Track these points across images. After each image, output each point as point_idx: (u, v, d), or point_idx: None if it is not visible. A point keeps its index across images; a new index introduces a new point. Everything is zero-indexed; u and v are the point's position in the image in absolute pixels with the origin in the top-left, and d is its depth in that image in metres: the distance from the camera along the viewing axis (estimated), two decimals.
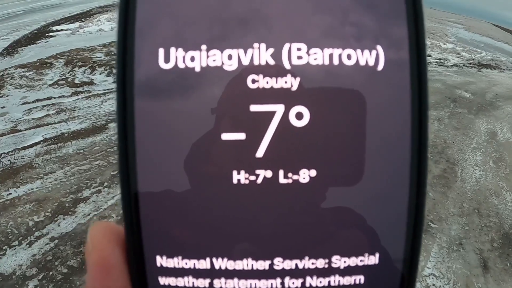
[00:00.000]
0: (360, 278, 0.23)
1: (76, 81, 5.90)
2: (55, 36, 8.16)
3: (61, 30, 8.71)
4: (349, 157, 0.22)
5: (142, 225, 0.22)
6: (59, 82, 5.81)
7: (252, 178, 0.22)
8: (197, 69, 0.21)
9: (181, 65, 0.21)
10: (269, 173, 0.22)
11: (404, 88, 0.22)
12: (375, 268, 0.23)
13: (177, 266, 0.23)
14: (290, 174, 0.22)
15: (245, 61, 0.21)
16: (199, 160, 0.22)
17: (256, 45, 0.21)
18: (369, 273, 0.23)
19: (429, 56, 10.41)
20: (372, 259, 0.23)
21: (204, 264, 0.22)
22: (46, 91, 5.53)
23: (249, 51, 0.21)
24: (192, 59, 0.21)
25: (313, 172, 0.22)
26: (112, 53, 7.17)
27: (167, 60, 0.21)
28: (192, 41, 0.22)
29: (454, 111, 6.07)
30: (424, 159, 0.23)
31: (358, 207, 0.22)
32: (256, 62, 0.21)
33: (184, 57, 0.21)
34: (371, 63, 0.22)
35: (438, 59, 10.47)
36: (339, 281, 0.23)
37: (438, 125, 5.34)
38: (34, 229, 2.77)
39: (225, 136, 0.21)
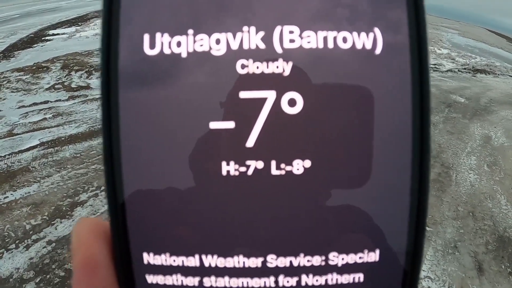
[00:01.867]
0: (359, 276, 0.21)
1: (73, 85, 5.88)
2: (51, 40, 8.15)
3: (58, 34, 8.70)
4: (344, 146, 0.21)
5: (128, 221, 0.21)
6: (56, 86, 5.80)
7: (243, 169, 0.20)
8: (184, 54, 0.20)
9: (167, 50, 0.20)
10: (260, 164, 0.20)
11: (404, 73, 0.20)
12: (375, 266, 0.21)
13: (164, 263, 0.21)
14: (283, 165, 0.20)
15: (234, 46, 0.20)
16: (186, 151, 0.20)
17: (245, 28, 0.20)
18: (369, 270, 0.21)
19: None
20: (372, 256, 0.21)
21: (193, 261, 0.21)
22: (43, 95, 5.52)
23: (238, 34, 0.20)
24: (179, 44, 0.20)
25: (307, 163, 0.20)
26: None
27: (152, 46, 0.20)
28: (178, 26, 0.20)
29: (449, 116, 6.09)
30: (426, 148, 0.21)
31: (355, 200, 0.21)
32: (245, 46, 0.20)
33: (170, 43, 0.20)
34: (368, 46, 0.20)
35: (433, 64, 10.49)
36: (337, 279, 0.21)
37: (433, 129, 5.36)
38: (31, 232, 2.77)
39: (213, 125, 0.20)
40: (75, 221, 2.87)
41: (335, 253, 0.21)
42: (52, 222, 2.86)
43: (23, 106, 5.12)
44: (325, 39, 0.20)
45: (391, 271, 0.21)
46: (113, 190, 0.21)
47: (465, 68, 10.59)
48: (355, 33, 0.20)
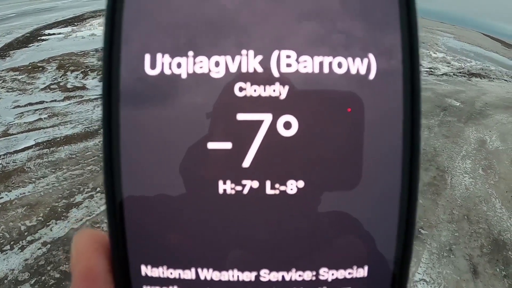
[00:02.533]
0: None
1: (69, 86, 5.87)
2: (47, 40, 8.12)
3: (54, 34, 8.67)
4: (336, 169, 0.21)
5: (127, 233, 0.22)
6: (51, 86, 5.78)
7: (239, 188, 0.21)
8: (184, 75, 0.21)
9: (167, 71, 0.21)
10: (255, 184, 0.21)
11: (397, 98, 0.21)
12: (364, 281, 0.22)
13: (162, 275, 0.22)
14: (277, 185, 0.21)
15: (233, 68, 0.21)
16: (185, 170, 0.21)
17: (244, 52, 0.21)
18: (357, 285, 0.22)
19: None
20: (361, 272, 0.22)
21: (189, 274, 0.22)
22: (38, 95, 5.50)
23: (237, 58, 0.21)
24: (179, 65, 0.21)
25: (300, 183, 0.21)
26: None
27: (153, 66, 0.21)
28: (179, 47, 0.21)
29: (444, 120, 6.12)
30: (416, 169, 0.21)
31: (345, 220, 0.22)
32: (244, 70, 0.21)
33: (170, 63, 0.21)
34: (363, 71, 0.21)
35: (428, 68, 10.55)
36: None
37: (428, 133, 5.39)
38: (26, 233, 2.75)
39: (211, 145, 0.21)
40: (70, 223, 2.86)
41: (325, 269, 0.22)
42: (47, 223, 2.84)
43: (18, 106, 5.10)
44: (320, 64, 0.21)
45: (380, 285, 0.22)
46: (112, 204, 0.22)
47: (460, 72, 10.64)
48: (350, 59, 0.21)
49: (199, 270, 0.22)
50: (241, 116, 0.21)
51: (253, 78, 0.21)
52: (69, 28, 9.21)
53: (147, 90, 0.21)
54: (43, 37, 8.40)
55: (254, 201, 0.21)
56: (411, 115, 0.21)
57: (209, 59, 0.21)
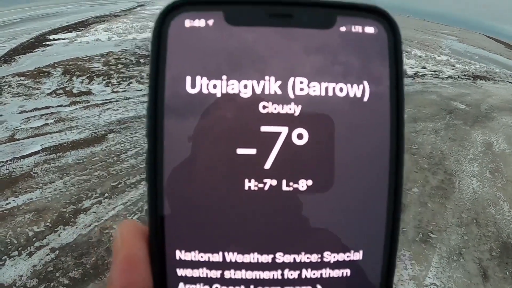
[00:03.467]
0: (347, 271, 0.27)
1: (74, 91, 5.90)
2: (52, 45, 8.16)
3: (58, 39, 8.71)
4: (339, 172, 0.26)
5: (165, 223, 0.26)
6: (57, 91, 5.81)
7: (261, 185, 0.26)
8: (218, 95, 0.26)
9: (205, 91, 0.26)
10: (274, 182, 0.26)
11: (385, 115, 0.27)
12: (359, 263, 0.27)
13: (193, 259, 0.26)
14: (291, 183, 0.26)
15: (258, 90, 0.26)
16: (219, 170, 0.26)
17: (267, 77, 0.26)
18: (354, 267, 0.27)
19: (424, 68, 10.51)
20: (357, 255, 0.27)
21: (217, 257, 0.26)
22: (44, 100, 5.52)
23: (261, 82, 0.26)
24: (214, 86, 0.26)
25: (309, 182, 0.26)
26: (113, 64, 7.16)
27: (193, 86, 0.25)
28: (215, 72, 0.26)
29: (450, 123, 6.11)
30: (400, 169, 0.27)
31: (343, 212, 0.27)
32: (266, 92, 0.26)
33: (207, 84, 0.26)
34: (359, 95, 0.26)
35: (433, 71, 10.53)
36: (329, 273, 0.27)
37: (435, 136, 5.38)
38: (34, 239, 2.74)
39: (240, 151, 0.26)
40: (78, 228, 2.85)
41: (329, 252, 0.27)
42: (56, 229, 2.84)
43: (25, 111, 5.11)
44: (326, 88, 0.26)
45: (373, 266, 0.27)
46: (154, 198, 0.26)
47: (465, 75, 10.62)
48: (349, 85, 0.26)
49: (226, 253, 0.26)
50: (264, 128, 0.26)
51: (274, 98, 0.26)
52: (73, 33, 9.27)
53: (188, 105, 0.26)
54: (48, 42, 8.45)
55: (273, 196, 0.26)
56: (397, 128, 0.27)
57: (239, 82, 0.26)
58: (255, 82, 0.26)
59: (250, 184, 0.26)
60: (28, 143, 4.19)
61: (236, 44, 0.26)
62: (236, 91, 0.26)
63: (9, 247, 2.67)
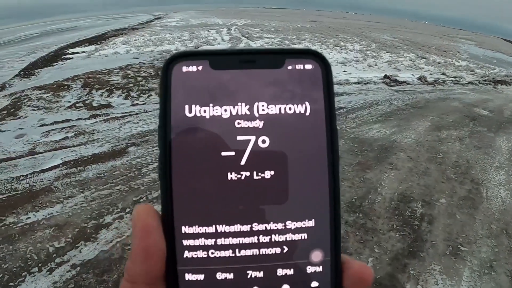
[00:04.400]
0: (304, 235, 0.36)
1: (94, 104, 5.98)
2: (71, 58, 8.27)
3: (77, 52, 8.83)
4: (292, 163, 0.36)
5: (174, 206, 0.34)
6: (77, 105, 5.87)
7: (239, 176, 0.35)
8: (207, 117, 0.35)
9: (198, 114, 0.35)
10: (248, 173, 0.35)
11: (322, 123, 0.36)
12: (313, 229, 0.36)
13: (195, 232, 0.35)
14: (260, 174, 0.35)
15: (234, 112, 0.35)
16: (210, 167, 0.35)
17: (240, 103, 0.35)
18: (310, 231, 0.36)
19: (444, 74, 10.35)
20: (310, 223, 0.36)
21: (211, 229, 0.35)
22: (64, 113, 5.57)
23: (236, 107, 0.35)
24: (204, 111, 0.35)
25: (272, 172, 0.35)
26: (132, 77, 7.19)
27: (190, 111, 0.35)
28: (204, 101, 0.35)
29: (474, 130, 5.98)
30: (336, 164, 0.36)
31: (298, 190, 0.36)
32: (239, 113, 0.35)
33: (200, 110, 0.35)
34: (302, 111, 0.36)
35: (453, 77, 10.38)
36: (292, 237, 0.36)
37: (460, 145, 5.25)
38: (54, 255, 2.70)
39: (224, 153, 0.35)
40: (99, 244, 2.79)
41: (290, 221, 0.36)
42: (77, 245, 2.79)
43: (45, 125, 5.16)
44: (279, 108, 0.36)
45: (323, 231, 0.36)
46: (165, 188, 0.35)
47: (485, 80, 10.44)
48: (295, 105, 0.36)
49: (217, 226, 0.35)
50: (239, 137, 0.35)
51: (244, 117, 0.35)
52: (92, 47, 9.39)
53: (187, 124, 0.35)
54: (67, 56, 8.57)
55: (247, 183, 0.35)
56: (331, 130, 0.37)
57: (221, 107, 0.35)
58: (231, 107, 0.35)
59: (232, 176, 0.35)
60: (49, 157, 4.21)
61: (218, 82, 0.36)
62: (219, 114, 0.35)
63: (29, 263, 2.63)
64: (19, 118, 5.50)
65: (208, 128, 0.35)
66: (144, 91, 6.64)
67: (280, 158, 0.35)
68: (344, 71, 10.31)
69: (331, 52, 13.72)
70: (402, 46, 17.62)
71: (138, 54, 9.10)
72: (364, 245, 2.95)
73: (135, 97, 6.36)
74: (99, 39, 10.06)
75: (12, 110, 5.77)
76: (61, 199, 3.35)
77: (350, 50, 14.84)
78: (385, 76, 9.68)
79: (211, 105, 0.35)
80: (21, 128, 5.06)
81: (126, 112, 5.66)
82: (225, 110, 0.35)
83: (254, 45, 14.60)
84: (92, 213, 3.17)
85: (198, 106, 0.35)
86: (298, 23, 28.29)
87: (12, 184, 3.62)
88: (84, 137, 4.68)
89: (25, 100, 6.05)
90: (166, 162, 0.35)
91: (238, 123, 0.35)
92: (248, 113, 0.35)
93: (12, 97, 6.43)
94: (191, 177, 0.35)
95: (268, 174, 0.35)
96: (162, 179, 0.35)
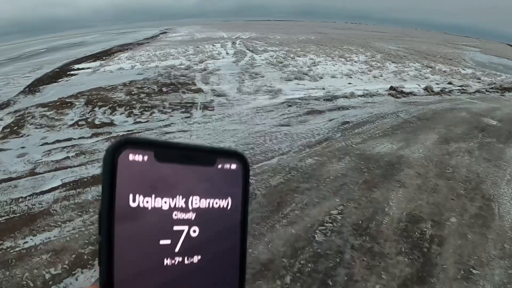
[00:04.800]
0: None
1: (96, 122, 5.97)
2: (76, 74, 8.30)
3: (83, 68, 8.87)
4: (215, 250, 0.42)
5: (114, 286, 0.35)
6: (79, 123, 5.86)
7: (173, 261, 0.38)
8: (149, 208, 0.37)
9: (141, 204, 0.36)
10: (180, 259, 0.39)
11: (238, 217, 0.43)
12: None
13: None
14: (190, 259, 0.39)
15: (172, 204, 0.39)
16: (149, 253, 0.37)
17: (177, 197, 0.39)
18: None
19: (450, 83, 10.23)
20: None
21: None
22: (66, 131, 5.54)
23: (174, 199, 0.39)
24: (147, 202, 0.37)
25: (199, 257, 0.40)
26: (135, 93, 7.17)
27: (134, 201, 0.36)
28: (147, 192, 0.37)
29: (483, 141, 5.84)
30: (244, 252, 0.44)
31: (217, 272, 0.42)
32: (177, 205, 0.39)
33: (143, 200, 0.37)
34: (225, 206, 0.42)
35: (459, 86, 10.25)
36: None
37: (469, 158, 5.12)
38: (50, 282, 2.62)
39: (162, 242, 0.37)
40: (96, 271, 2.72)
41: None
42: (73, 272, 2.71)
43: (47, 143, 5.12)
44: (209, 202, 0.41)
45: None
46: (107, 270, 0.34)
47: (492, 88, 10.30)
48: (220, 200, 0.42)
49: None
50: (175, 227, 0.39)
51: (180, 209, 0.39)
52: (97, 63, 9.43)
53: (130, 213, 0.36)
54: (72, 72, 8.60)
55: (180, 267, 0.39)
56: (244, 222, 0.43)
57: (161, 199, 0.38)
58: (170, 199, 0.38)
59: (167, 261, 0.38)
60: (49, 178, 4.16)
61: (160, 175, 0.38)
62: (159, 205, 0.37)
63: None
64: (22, 136, 5.50)
65: (149, 218, 0.37)
66: (146, 108, 6.63)
67: (206, 245, 0.41)
68: (350, 83, 10.26)
69: (336, 64, 13.68)
70: (407, 55, 17.59)
71: (142, 69, 9.12)
72: (371, 271, 2.82)
73: (137, 115, 6.35)
74: (105, 54, 10.13)
75: (15, 128, 5.78)
76: (59, 223, 3.29)
77: (355, 62, 14.86)
78: (391, 88, 9.60)
79: (153, 196, 0.38)
80: (23, 147, 5.04)
81: (128, 130, 5.64)
82: (165, 202, 0.38)
83: (258, 58, 14.59)
84: (90, 238, 3.11)
85: (141, 196, 0.37)
86: (303, 35, 28.44)
87: (11, 206, 3.58)
88: (85, 157, 4.64)
89: (29, 118, 6.03)
90: (108, 251, 0.36)
91: (175, 215, 0.39)
92: (183, 206, 0.40)
93: (16, 115, 6.46)
94: (132, 262, 0.36)
95: (195, 259, 0.40)
96: (103, 264, 0.35)
